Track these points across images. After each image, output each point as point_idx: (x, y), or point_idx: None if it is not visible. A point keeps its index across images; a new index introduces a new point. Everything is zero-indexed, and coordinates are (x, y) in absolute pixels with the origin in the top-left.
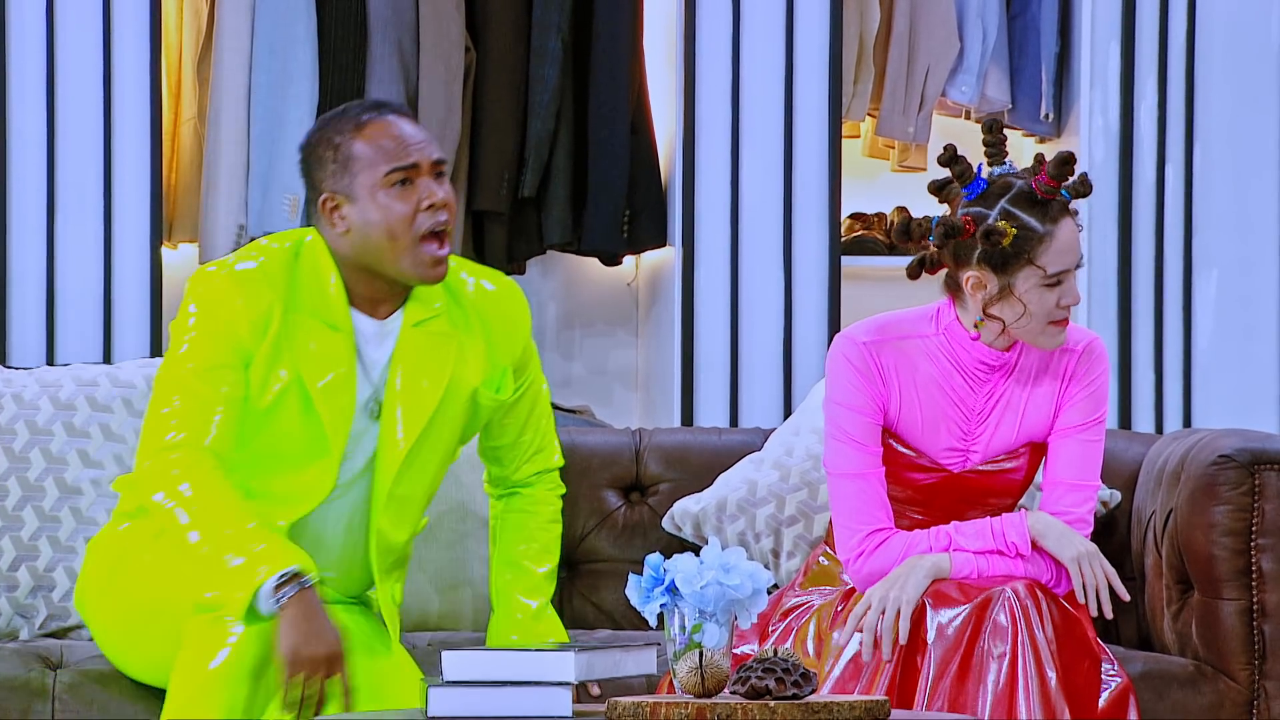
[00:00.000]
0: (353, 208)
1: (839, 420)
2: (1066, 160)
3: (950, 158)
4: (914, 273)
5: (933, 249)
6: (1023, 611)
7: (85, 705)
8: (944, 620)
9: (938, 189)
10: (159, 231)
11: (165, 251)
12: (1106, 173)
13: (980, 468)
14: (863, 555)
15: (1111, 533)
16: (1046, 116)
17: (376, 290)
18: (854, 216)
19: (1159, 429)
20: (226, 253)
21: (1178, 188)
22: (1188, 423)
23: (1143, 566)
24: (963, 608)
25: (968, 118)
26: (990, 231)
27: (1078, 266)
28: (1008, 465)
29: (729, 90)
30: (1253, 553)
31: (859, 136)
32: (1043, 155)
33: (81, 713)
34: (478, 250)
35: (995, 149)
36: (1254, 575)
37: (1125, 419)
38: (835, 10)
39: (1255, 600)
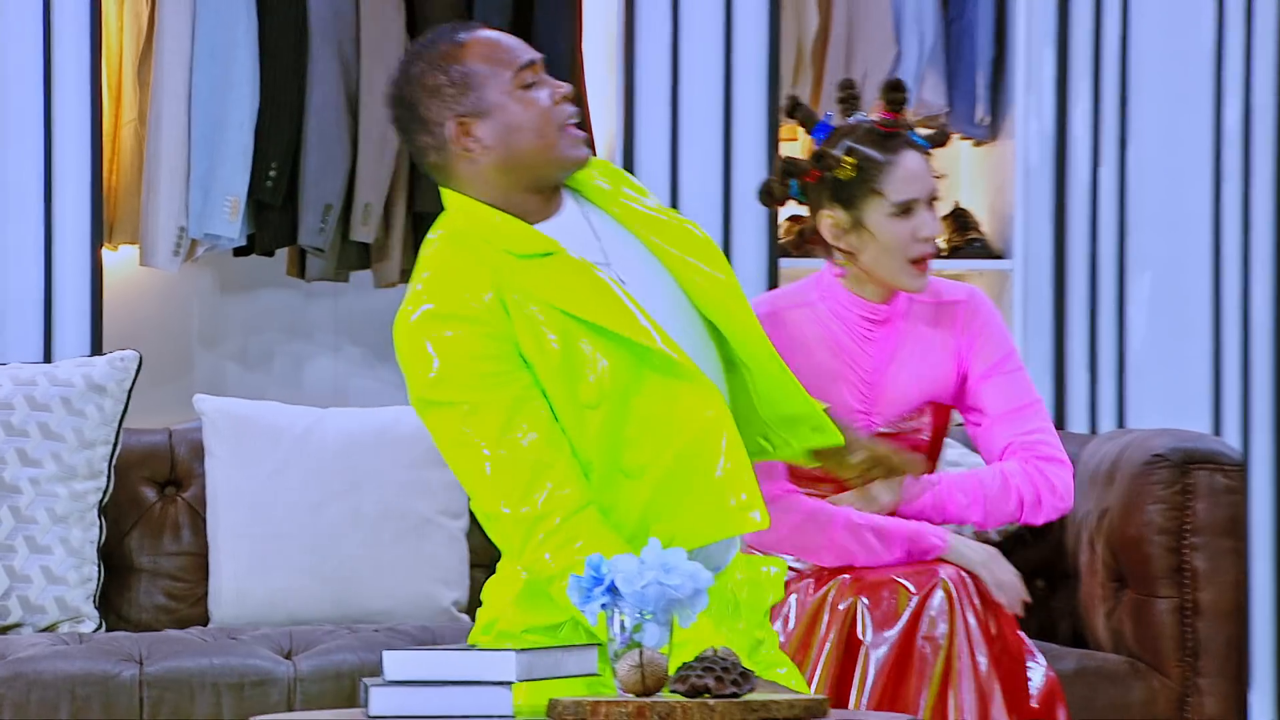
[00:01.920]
0: (487, 121)
1: None
2: (895, 86)
3: (791, 107)
4: (795, 243)
5: (784, 200)
6: (956, 599)
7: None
8: (881, 615)
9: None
10: (99, 233)
11: (105, 253)
12: (1041, 175)
13: (884, 430)
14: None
15: (1046, 531)
16: (982, 120)
17: (537, 198)
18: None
19: (1093, 429)
20: (166, 254)
21: (1112, 190)
22: (1122, 423)
23: (1077, 565)
24: (908, 600)
25: None
26: (831, 162)
27: (933, 200)
28: (911, 426)
29: (668, 94)
30: (1185, 551)
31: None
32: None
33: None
34: (419, 252)
35: (895, 106)
36: (1187, 573)
37: (1060, 419)
38: (774, 14)
39: (1188, 598)
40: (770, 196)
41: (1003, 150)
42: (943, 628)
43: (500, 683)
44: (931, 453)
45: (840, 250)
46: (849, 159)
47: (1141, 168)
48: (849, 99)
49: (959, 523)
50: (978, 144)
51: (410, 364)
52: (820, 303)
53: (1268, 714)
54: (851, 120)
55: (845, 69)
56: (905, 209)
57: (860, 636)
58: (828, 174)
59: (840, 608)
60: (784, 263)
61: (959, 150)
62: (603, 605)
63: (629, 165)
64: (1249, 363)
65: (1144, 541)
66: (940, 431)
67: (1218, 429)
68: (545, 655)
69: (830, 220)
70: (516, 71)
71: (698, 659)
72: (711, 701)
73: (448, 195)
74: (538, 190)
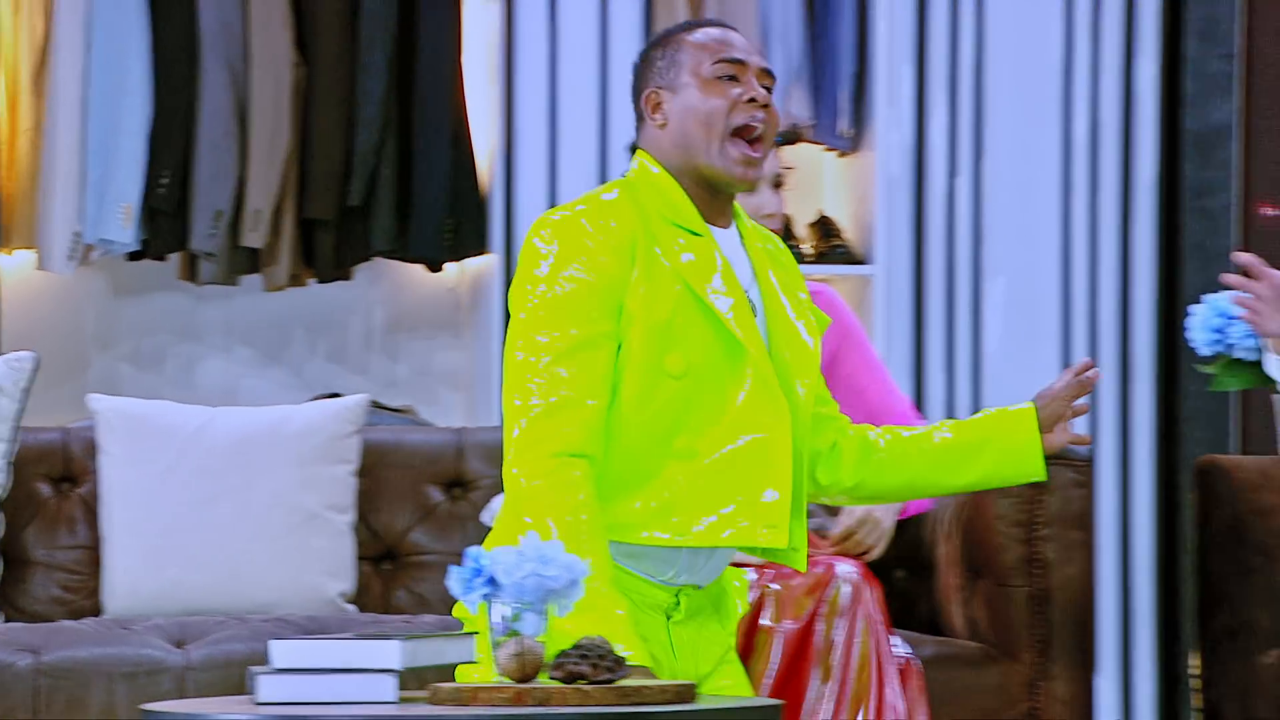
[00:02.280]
0: (673, 98)
1: None
2: None
3: None
4: None
5: None
6: (858, 590)
7: None
8: (783, 605)
9: None
10: None
11: (2, 257)
12: (901, 185)
13: None
14: None
15: (906, 525)
16: (845, 133)
17: (705, 194)
18: None
19: None
20: (62, 259)
21: (967, 199)
22: None
23: (935, 556)
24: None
25: None
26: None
27: (777, 184)
28: None
29: (546, 104)
30: (1036, 542)
31: None
32: None
33: None
34: (307, 257)
35: None
36: (1037, 564)
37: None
38: (647, 29)
39: (1039, 587)
40: None
41: (865, 161)
42: (841, 629)
43: (384, 670)
44: None
45: None
46: None
47: (995, 178)
48: None
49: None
50: (841, 155)
51: (529, 258)
52: None
53: (1113, 697)
54: None
55: None
56: None
57: (765, 621)
58: None
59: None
60: None
61: (823, 161)
62: (483, 596)
63: (508, 173)
64: (1096, 364)
65: (997, 534)
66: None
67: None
68: (428, 644)
69: None
70: (718, 61)
71: (574, 647)
72: (587, 687)
73: (638, 155)
74: (705, 186)
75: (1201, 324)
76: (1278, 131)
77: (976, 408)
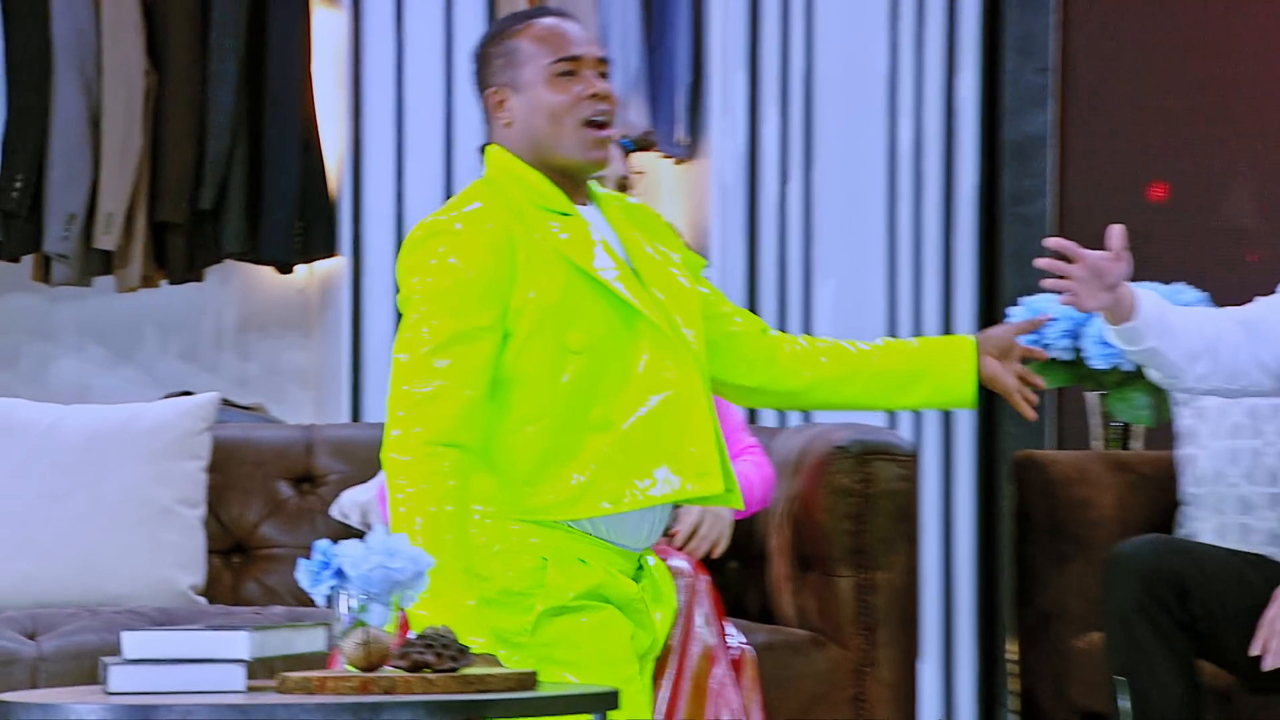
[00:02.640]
0: (518, 98)
1: None
2: None
3: None
4: None
5: None
6: (692, 585)
7: None
8: None
9: None
10: None
11: None
12: (736, 191)
13: None
14: None
15: (739, 517)
16: (682, 140)
17: (562, 179)
18: None
19: (782, 423)
20: None
21: (798, 204)
22: (808, 417)
23: (767, 548)
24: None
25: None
26: None
27: (623, 186)
28: None
29: (393, 111)
30: (863, 535)
31: None
32: None
33: None
34: (159, 259)
35: None
36: (864, 555)
37: (752, 413)
38: None
39: (865, 577)
40: None
41: (700, 168)
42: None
43: (233, 660)
44: None
45: None
46: None
47: (825, 185)
48: None
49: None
50: (678, 162)
51: (409, 261)
52: None
53: (935, 680)
54: None
55: None
56: None
57: None
58: None
59: None
60: None
61: (661, 168)
62: (330, 588)
63: (356, 178)
64: None
65: (826, 526)
66: None
67: (893, 423)
68: (276, 635)
69: None
70: (556, 60)
71: (419, 637)
72: (431, 675)
73: (489, 150)
74: (560, 173)
75: None
76: (1091, 141)
77: None
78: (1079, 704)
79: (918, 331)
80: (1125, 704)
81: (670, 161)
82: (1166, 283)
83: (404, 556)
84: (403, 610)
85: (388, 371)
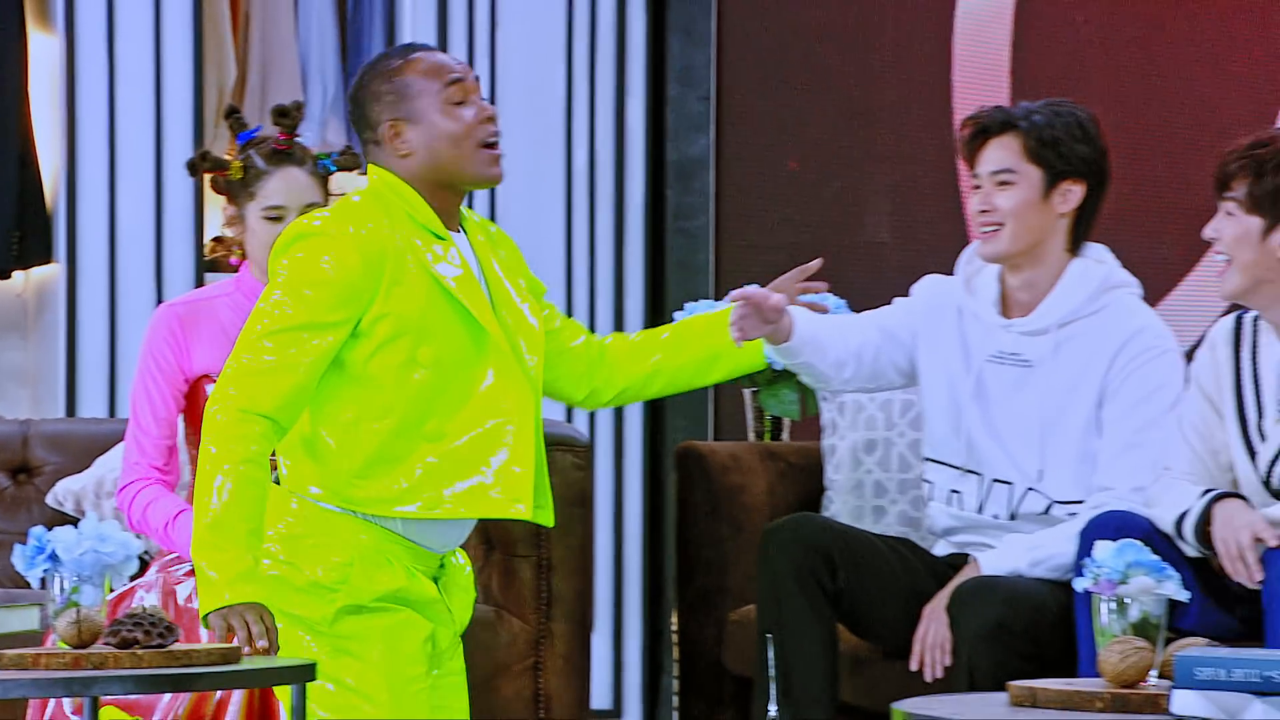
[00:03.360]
0: (415, 128)
1: (142, 374)
2: (281, 111)
3: (229, 112)
4: (221, 259)
5: (217, 187)
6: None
7: None
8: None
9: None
10: None
11: None
12: None
13: None
14: (133, 499)
15: None
16: None
17: (444, 203)
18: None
19: None
20: None
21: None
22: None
23: None
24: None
25: None
26: (219, 163)
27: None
28: None
29: (106, 129)
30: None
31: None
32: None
33: None
34: None
35: (284, 127)
36: (542, 537)
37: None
38: (197, 63)
39: (544, 557)
40: (194, 170)
41: None
42: None
43: None
44: None
45: (233, 239)
46: (237, 163)
47: (508, 202)
48: (288, 126)
49: None
50: None
51: (284, 252)
52: (236, 291)
53: (606, 650)
54: (264, 135)
55: (260, 112)
56: (276, 214)
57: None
58: (223, 174)
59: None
60: (209, 277)
61: (358, 184)
62: (45, 571)
63: (71, 191)
64: None
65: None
66: None
67: (569, 417)
68: None
69: (227, 211)
70: (446, 87)
71: (128, 615)
72: (140, 651)
73: (373, 170)
74: (450, 191)
75: None
76: (746, 163)
77: None
78: (733, 670)
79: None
80: (771, 658)
81: (365, 178)
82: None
83: (114, 541)
84: (114, 591)
85: (101, 370)
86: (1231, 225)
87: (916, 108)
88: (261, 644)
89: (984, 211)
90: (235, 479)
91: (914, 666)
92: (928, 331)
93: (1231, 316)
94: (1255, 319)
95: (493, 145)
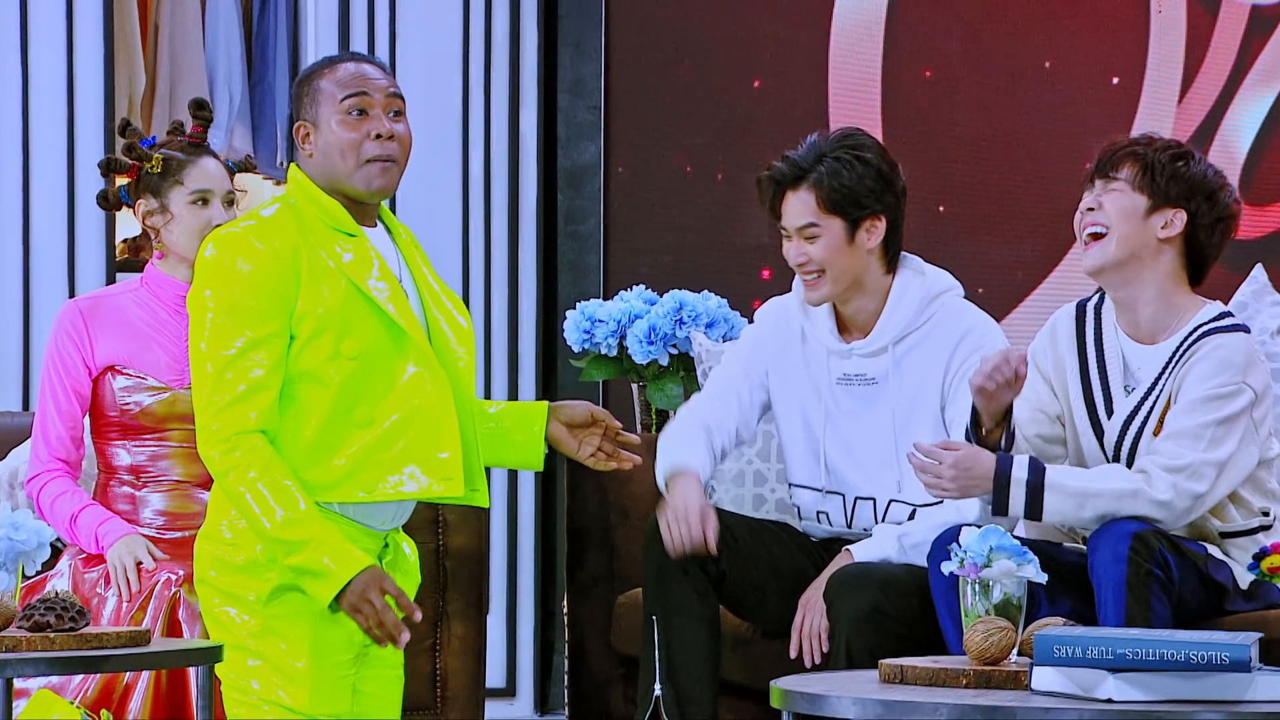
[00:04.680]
0: (317, 133)
1: (47, 369)
2: (199, 104)
3: (123, 127)
4: (131, 258)
5: (114, 192)
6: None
7: None
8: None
9: (125, 150)
10: None
11: None
12: None
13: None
14: (41, 489)
15: None
16: (282, 164)
17: (352, 204)
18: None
19: None
20: None
21: None
22: None
23: None
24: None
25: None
26: (142, 155)
27: (229, 201)
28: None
29: (20, 134)
30: (441, 508)
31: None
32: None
33: None
34: None
35: (200, 121)
36: (440, 524)
37: None
38: (109, 74)
39: (442, 544)
40: (106, 201)
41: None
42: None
43: None
44: None
45: (151, 231)
46: (158, 156)
47: (406, 207)
48: (177, 127)
49: None
50: (279, 184)
51: (206, 271)
52: (143, 287)
53: (500, 632)
54: (167, 139)
55: (169, 122)
56: (202, 197)
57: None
58: (143, 168)
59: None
60: (120, 276)
61: (263, 189)
62: None
63: None
64: (490, 370)
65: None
66: None
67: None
68: None
69: (144, 207)
70: (346, 98)
71: (40, 600)
72: (52, 635)
73: (292, 171)
74: (350, 200)
75: (574, 326)
76: (633, 169)
77: None
78: (620, 651)
79: (488, 333)
80: (655, 639)
81: (272, 183)
82: (697, 290)
83: (28, 529)
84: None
85: (15, 365)
86: (1116, 199)
87: (794, 118)
88: (402, 636)
89: (802, 264)
90: (266, 483)
91: (794, 654)
92: (777, 364)
93: (1073, 303)
94: (1097, 306)
95: (382, 160)
